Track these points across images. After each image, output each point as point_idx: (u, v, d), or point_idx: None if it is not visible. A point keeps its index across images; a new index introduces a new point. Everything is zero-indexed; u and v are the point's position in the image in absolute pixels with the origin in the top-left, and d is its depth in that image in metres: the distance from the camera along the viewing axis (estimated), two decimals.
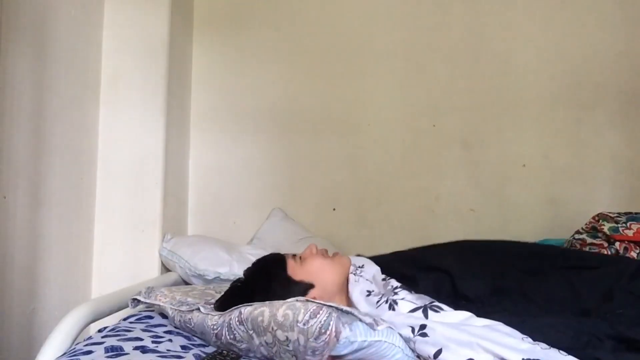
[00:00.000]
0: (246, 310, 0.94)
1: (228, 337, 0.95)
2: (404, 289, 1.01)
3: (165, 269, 1.82)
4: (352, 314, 0.86)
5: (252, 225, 2.06)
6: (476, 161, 2.04)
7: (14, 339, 1.35)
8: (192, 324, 1.05)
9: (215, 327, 0.98)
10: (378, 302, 1.01)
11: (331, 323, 0.82)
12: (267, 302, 0.93)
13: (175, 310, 1.09)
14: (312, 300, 0.91)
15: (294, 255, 1.17)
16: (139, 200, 1.80)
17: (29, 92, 1.41)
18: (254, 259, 1.73)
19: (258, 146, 2.14)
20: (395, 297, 0.98)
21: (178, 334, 1.06)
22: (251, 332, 0.91)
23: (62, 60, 1.57)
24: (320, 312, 0.84)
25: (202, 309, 1.05)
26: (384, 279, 1.07)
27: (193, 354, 0.94)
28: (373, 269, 1.13)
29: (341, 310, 0.86)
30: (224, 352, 0.93)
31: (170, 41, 1.85)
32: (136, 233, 1.79)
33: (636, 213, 1.51)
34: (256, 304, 0.94)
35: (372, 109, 2.11)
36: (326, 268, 1.12)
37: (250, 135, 2.14)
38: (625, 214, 1.50)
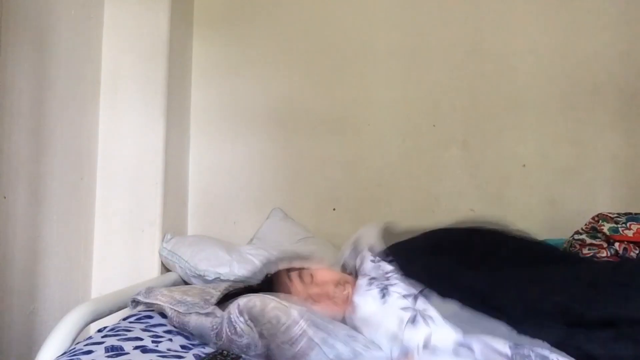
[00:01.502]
0: (242, 301, 0.96)
1: (229, 332, 0.95)
2: (396, 276, 1.00)
3: (165, 269, 1.82)
4: (326, 336, 0.87)
5: (252, 225, 2.06)
6: (476, 161, 2.04)
7: (14, 339, 1.36)
8: (190, 327, 1.05)
9: (215, 326, 0.98)
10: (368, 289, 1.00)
11: (303, 340, 0.85)
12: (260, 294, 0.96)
13: (174, 310, 1.09)
14: (293, 305, 0.93)
15: (301, 273, 1.14)
16: (139, 200, 1.80)
17: (29, 92, 1.41)
18: (254, 259, 1.75)
19: (258, 146, 2.14)
20: (387, 283, 0.97)
21: (178, 333, 1.06)
22: (249, 322, 0.92)
23: (62, 60, 1.57)
24: (296, 327, 0.87)
25: (199, 311, 1.05)
26: (372, 260, 1.06)
27: (193, 354, 0.94)
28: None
29: (317, 327, 0.88)
30: (224, 352, 0.92)
31: (170, 41, 1.85)
32: (136, 233, 1.79)
33: (636, 214, 1.51)
34: (250, 296, 0.97)
35: (372, 109, 2.11)
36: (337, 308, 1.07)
37: (251, 135, 2.14)
38: (625, 214, 1.50)
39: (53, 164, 1.53)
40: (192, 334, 1.06)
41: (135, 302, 1.18)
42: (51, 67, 1.52)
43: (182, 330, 1.08)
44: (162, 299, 1.14)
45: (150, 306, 1.18)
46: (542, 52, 2.03)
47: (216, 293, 1.20)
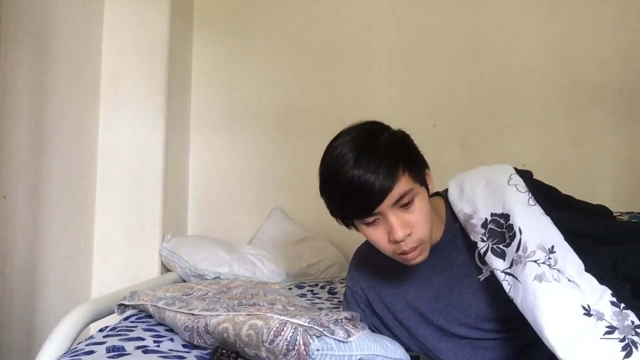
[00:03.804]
0: (212, 322, 0.92)
1: (200, 341, 0.94)
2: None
3: (165, 269, 1.82)
4: (319, 330, 0.83)
5: (252, 225, 2.06)
6: (476, 161, 2.03)
7: (14, 339, 1.35)
8: (167, 322, 1.04)
9: (186, 328, 0.97)
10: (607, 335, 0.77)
11: (298, 338, 0.80)
12: (231, 315, 0.91)
13: (154, 306, 1.09)
14: (274, 316, 0.88)
15: None
16: (139, 200, 1.79)
17: (29, 92, 1.41)
18: (254, 259, 1.75)
19: (258, 146, 2.14)
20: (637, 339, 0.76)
21: None
22: (221, 342, 0.91)
23: (62, 60, 1.57)
24: (285, 329, 0.82)
25: (172, 308, 1.04)
26: (616, 305, 0.80)
27: (195, 355, 0.93)
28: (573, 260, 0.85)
29: (308, 325, 0.83)
30: (225, 351, 0.92)
31: (170, 41, 1.84)
32: (136, 233, 1.78)
33: (638, 212, 1.51)
34: (221, 317, 0.91)
35: (372, 109, 2.09)
36: None
37: (251, 135, 2.14)
38: (628, 213, 1.50)
39: (53, 164, 1.52)
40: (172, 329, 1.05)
41: (122, 307, 1.18)
42: (51, 67, 1.51)
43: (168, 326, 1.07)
44: (144, 299, 1.14)
45: (136, 308, 1.17)
46: (542, 52, 2.03)
47: (198, 288, 1.20)
